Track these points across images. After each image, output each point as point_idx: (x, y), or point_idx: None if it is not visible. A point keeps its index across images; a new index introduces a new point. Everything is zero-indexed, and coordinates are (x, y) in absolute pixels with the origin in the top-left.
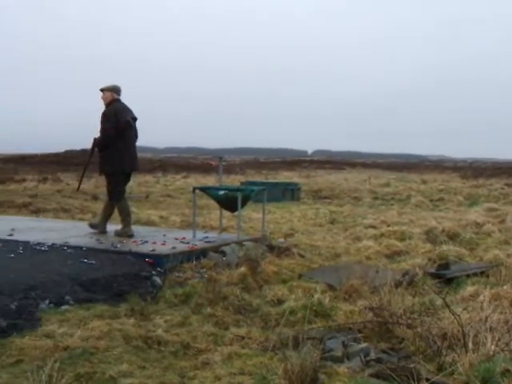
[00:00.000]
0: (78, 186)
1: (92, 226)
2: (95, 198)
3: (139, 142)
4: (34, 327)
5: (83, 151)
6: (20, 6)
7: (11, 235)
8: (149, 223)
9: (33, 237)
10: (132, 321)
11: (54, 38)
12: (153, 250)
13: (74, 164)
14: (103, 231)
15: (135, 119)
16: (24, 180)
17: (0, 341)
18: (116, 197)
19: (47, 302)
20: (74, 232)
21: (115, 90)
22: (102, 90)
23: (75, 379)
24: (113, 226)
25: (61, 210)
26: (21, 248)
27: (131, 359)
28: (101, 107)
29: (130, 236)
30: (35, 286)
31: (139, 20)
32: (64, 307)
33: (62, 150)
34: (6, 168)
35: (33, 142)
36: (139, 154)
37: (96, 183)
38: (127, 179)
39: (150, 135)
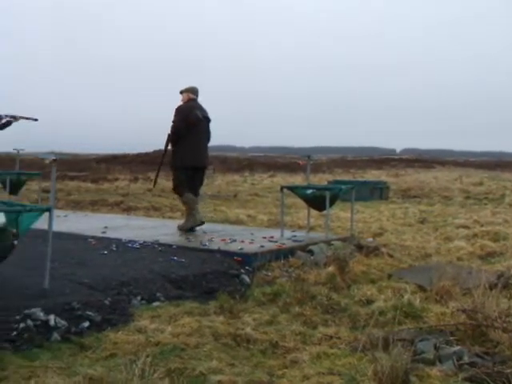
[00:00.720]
0: (154, 183)
1: (179, 227)
2: None
3: (227, 141)
4: (127, 322)
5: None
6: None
7: (104, 233)
8: (237, 222)
9: (125, 234)
10: (221, 318)
11: (154, 39)
12: (241, 249)
13: (164, 163)
14: (200, 222)
15: (208, 119)
16: (116, 179)
17: (95, 335)
18: (180, 190)
19: (139, 298)
20: (164, 230)
21: (191, 90)
22: (180, 93)
23: (166, 374)
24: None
25: (151, 208)
26: (114, 245)
27: (220, 356)
28: None
29: (192, 229)
30: (127, 282)
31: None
32: (155, 303)
33: (151, 150)
34: (99, 168)
35: (124, 142)
36: (226, 153)
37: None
38: (195, 175)
39: (237, 135)
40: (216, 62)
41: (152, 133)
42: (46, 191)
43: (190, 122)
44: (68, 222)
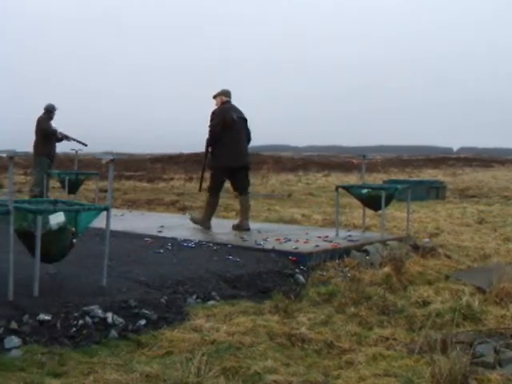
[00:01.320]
0: (200, 187)
1: (236, 227)
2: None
3: (281, 140)
4: (183, 321)
5: None
6: None
7: (160, 232)
8: (291, 221)
9: (180, 233)
10: (276, 318)
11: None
12: (296, 248)
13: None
14: (245, 228)
15: (245, 119)
16: (171, 179)
17: (151, 332)
18: (211, 190)
19: (194, 296)
20: (218, 229)
21: (224, 93)
22: (213, 97)
23: (222, 373)
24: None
25: None
26: (169, 244)
27: (275, 356)
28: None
29: (208, 229)
30: (183, 281)
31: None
32: (210, 302)
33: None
34: (155, 167)
35: (178, 142)
36: (280, 152)
37: None
38: (236, 175)
39: (291, 134)
40: (269, 61)
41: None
42: (103, 190)
43: (226, 124)
44: (124, 220)
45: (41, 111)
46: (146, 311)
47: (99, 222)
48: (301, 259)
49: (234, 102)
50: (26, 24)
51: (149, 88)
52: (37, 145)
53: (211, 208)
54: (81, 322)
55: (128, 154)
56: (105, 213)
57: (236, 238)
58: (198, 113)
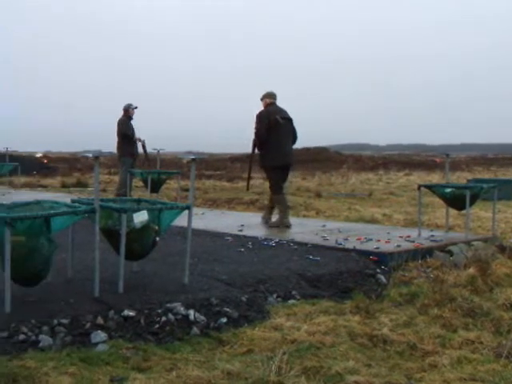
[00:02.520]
0: (247, 186)
1: (270, 225)
2: (319, 195)
3: (361, 139)
4: (263, 319)
5: (306, 149)
6: None
7: (241, 231)
8: (372, 221)
9: (260, 232)
10: (357, 318)
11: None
12: (377, 248)
13: (297, 162)
14: (266, 221)
15: (290, 119)
16: (251, 178)
17: (232, 330)
18: (275, 189)
19: (275, 295)
20: (298, 229)
21: (268, 96)
22: (261, 99)
23: (303, 372)
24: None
25: None
26: (250, 243)
27: (357, 356)
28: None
29: (288, 227)
30: (264, 279)
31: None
32: (291, 301)
33: None
34: (234, 167)
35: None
36: (360, 151)
37: (319, 181)
38: (284, 174)
39: (372, 133)
40: (348, 58)
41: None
42: (185, 189)
43: (271, 126)
44: (205, 219)
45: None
46: (227, 309)
47: (180, 221)
48: (382, 259)
49: (321, 101)
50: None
51: (230, 88)
52: (119, 146)
53: (283, 205)
54: (164, 318)
55: (208, 153)
56: (186, 211)
57: (316, 237)
58: None
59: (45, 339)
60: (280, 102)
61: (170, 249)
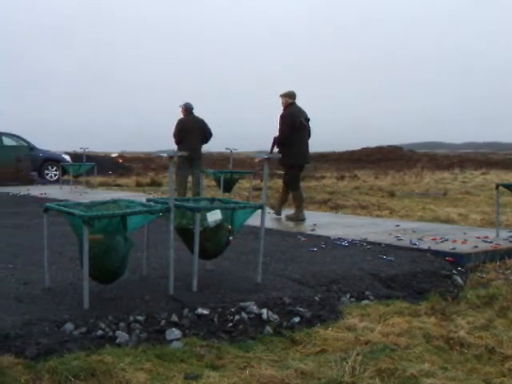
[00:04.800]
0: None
1: (288, 218)
2: (392, 194)
3: (436, 138)
4: (336, 319)
5: (379, 148)
6: None
7: (313, 230)
8: (448, 221)
9: (333, 232)
10: (432, 320)
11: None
12: (453, 249)
13: (370, 161)
14: (279, 214)
15: (308, 120)
16: (323, 177)
17: (305, 330)
18: (293, 185)
19: (348, 295)
20: (371, 228)
21: (289, 95)
22: (280, 96)
23: (377, 374)
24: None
25: (358, 206)
26: (322, 243)
27: (432, 359)
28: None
29: (302, 220)
30: (337, 279)
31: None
32: (364, 302)
33: (359, 148)
34: (306, 166)
35: (329, 140)
36: (435, 150)
37: (392, 180)
38: (300, 171)
39: (446, 131)
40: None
41: (359, 131)
42: (257, 189)
43: (295, 127)
44: (278, 219)
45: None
46: (300, 309)
47: (253, 220)
48: (458, 260)
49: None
50: None
51: (300, 88)
52: (200, 145)
53: (299, 200)
54: (237, 317)
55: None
56: (259, 211)
57: (390, 237)
58: (346, 112)
59: (121, 335)
60: (352, 102)
61: (242, 248)
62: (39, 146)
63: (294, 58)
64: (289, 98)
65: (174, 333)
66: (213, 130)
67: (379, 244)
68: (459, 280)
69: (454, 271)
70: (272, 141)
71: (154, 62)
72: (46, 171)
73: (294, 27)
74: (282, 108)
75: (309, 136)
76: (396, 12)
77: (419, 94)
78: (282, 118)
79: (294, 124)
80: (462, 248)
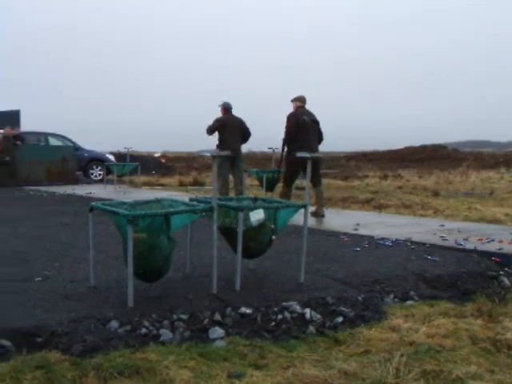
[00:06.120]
0: (280, 180)
1: (312, 214)
2: (436, 194)
3: (481, 136)
4: (380, 320)
5: (423, 147)
6: None
7: (356, 230)
8: (494, 221)
9: (376, 232)
10: (479, 321)
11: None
12: (500, 249)
13: (413, 160)
14: (321, 215)
15: (317, 122)
16: (366, 176)
17: (348, 330)
18: (286, 182)
19: (392, 296)
20: (416, 228)
21: (299, 99)
22: (291, 101)
23: (422, 375)
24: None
25: (402, 205)
26: (365, 242)
27: (479, 361)
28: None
29: (323, 216)
30: (380, 279)
31: None
32: (408, 302)
33: (402, 147)
34: (349, 165)
35: (373, 139)
36: (480, 149)
37: (436, 179)
38: (300, 169)
39: (492, 129)
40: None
41: (404, 129)
42: (299, 188)
43: (299, 125)
44: (320, 218)
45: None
46: (343, 308)
47: (296, 219)
48: (505, 261)
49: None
50: None
51: (341, 88)
52: (240, 145)
53: (284, 198)
54: (280, 316)
55: (324, 152)
56: (302, 210)
57: (435, 237)
58: (391, 110)
59: (165, 333)
60: (394, 100)
61: (285, 247)
62: (84, 145)
63: (332, 55)
64: (299, 102)
65: (217, 331)
66: (255, 130)
67: (423, 244)
68: (506, 281)
69: (501, 272)
70: (282, 142)
71: (192, 65)
72: (91, 171)
73: (332, 24)
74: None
75: (320, 139)
76: (440, 9)
77: (463, 92)
78: (288, 118)
79: (297, 123)
80: (509, 248)
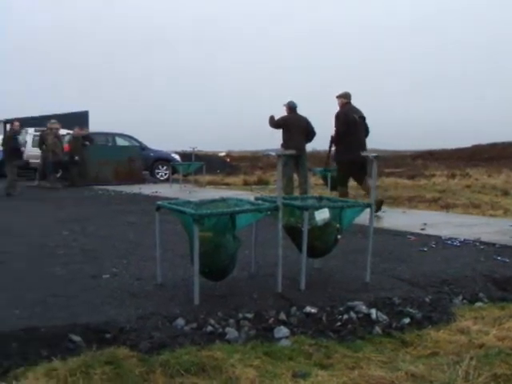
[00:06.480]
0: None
1: None
2: (506, 193)
3: None
4: (448, 322)
5: (492, 146)
6: None
7: (423, 229)
8: None
9: (444, 231)
10: None
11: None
12: None
13: (482, 159)
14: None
15: (364, 118)
16: (433, 175)
17: (415, 332)
18: (340, 182)
19: (460, 297)
20: (485, 228)
21: (344, 96)
22: (336, 97)
23: (492, 379)
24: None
25: (470, 205)
26: (433, 242)
27: None
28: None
29: None
30: (448, 280)
31: None
32: (477, 304)
33: (469, 145)
34: (416, 164)
35: (440, 138)
36: None
37: (507, 178)
38: (359, 169)
39: None
40: None
41: (470, 127)
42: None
43: (349, 124)
44: (386, 217)
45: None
46: (410, 309)
47: (361, 219)
48: None
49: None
50: None
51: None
52: (304, 144)
53: (343, 196)
54: (345, 316)
55: (391, 151)
56: (367, 210)
57: (505, 237)
58: (456, 109)
59: (231, 332)
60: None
61: (351, 247)
62: (151, 145)
63: (384, 52)
64: (344, 98)
65: (283, 331)
66: (320, 129)
67: (493, 244)
68: None
69: None
70: (330, 139)
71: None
72: (157, 170)
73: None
74: (339, 108)
75: (367, 134)
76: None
77: None
78: (337, 116)
79: (347, 121)
80: None
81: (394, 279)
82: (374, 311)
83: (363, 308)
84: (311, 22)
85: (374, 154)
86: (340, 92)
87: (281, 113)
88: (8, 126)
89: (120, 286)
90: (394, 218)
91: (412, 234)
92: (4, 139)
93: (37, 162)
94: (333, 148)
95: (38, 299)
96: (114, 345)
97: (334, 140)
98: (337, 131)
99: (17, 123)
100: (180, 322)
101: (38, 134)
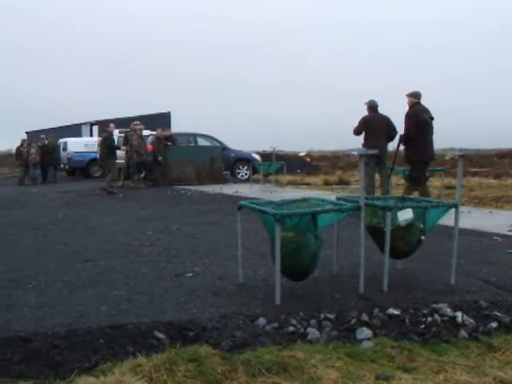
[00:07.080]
0: (389, 176)
1: None
2: None
3: None
4: None
5: None
6: None
7: (511, 231)
8: None
9: None
10: None
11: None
12: None
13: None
14: None
15: (432, 118)
16: None
17: (503, 336)
18: (416, 181)
19: None
20: None
21: (414, 95)
22: (406, 96)
23: None
24: None
25: None
26: None
27: None
28: None
29: None
30: None
31: None
32: None
33: None
34: (502, 163)
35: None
36: None
37: None
38: (426, 167)
39: None
40: None
41: None
42: (448, 187)
43: (420, 125)
44: (472, 218)
45: None
46: (498, 313)
47: (445, 219)
48: None
49: None
50: None
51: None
52: (385, 143)
53: (425, 196)
54: (429, 319)
55: (475, 149)
56: (452, 210)
57: None
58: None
59: (312, 332)
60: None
61: (434, 248)
62: (231, 145)
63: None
64: (414, 97)
65: (365, 332)
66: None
67: None
68: None
69: None
70: (398, 139)
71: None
72: (238, 170)
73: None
74: (408, 107)
75: (432, 133)
76: None
77: None
78: (407, 116)
79: (418, 122)
80: None
81: (480, 281)
82: (459, 314)
83: (448, 311)
84: None
85: (459, 153)
86: (410, 91)
87: (362, 113)
88: (94, 128)
89: (202, 285)
90: (480, 219)
91: (498, 235)
92: (101, 140)
93: (121, 163)
94: (401, 147)
95: (123, 297)
96: (196, 343)
97: (404, 140)
98: (407, 131)
99: (112, 125)
100: (261, 321)
101: (122, 135)
